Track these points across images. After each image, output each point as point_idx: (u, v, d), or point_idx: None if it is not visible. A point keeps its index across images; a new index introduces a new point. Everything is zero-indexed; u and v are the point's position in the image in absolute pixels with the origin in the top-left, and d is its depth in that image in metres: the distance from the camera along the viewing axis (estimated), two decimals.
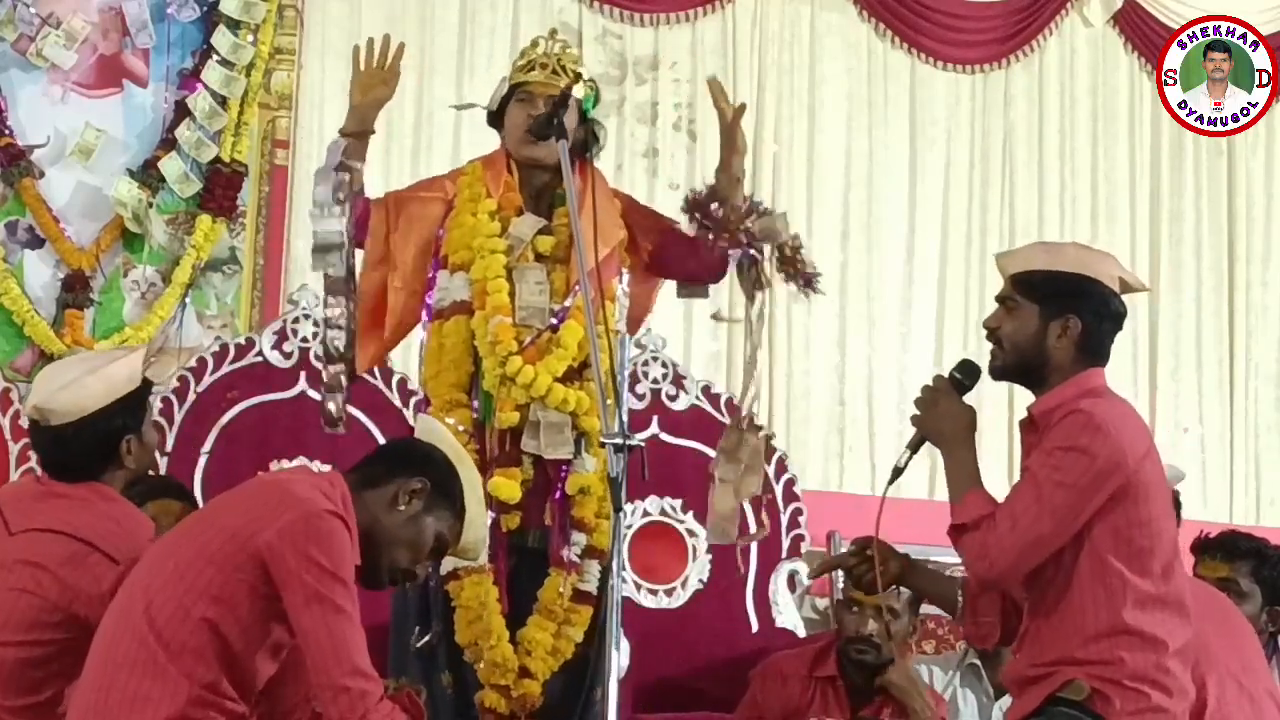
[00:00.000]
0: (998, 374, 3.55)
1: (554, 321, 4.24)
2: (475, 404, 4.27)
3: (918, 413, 3.55)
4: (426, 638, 4.20)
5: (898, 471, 3.59)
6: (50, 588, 3.46)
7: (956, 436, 3.49)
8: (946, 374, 3.57)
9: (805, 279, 4.37)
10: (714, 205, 4.28)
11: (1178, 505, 4.38)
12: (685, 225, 4.40)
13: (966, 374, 3.56)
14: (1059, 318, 3.45)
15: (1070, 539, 3.34)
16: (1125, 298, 3.54)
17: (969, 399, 3.56)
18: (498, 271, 4.25)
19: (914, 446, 3.59)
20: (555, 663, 4.20)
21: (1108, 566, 3.34)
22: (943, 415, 3.51)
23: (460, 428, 4.15)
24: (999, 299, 3.55)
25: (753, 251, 4.33)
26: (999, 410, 7.45)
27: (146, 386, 3.73)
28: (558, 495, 4.24)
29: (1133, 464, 3.35)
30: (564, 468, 4.25)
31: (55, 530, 3.52)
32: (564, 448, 4.21)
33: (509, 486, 4.16)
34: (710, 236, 4.30)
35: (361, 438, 5.16)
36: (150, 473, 4.14)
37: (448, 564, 4.17)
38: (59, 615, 3.45)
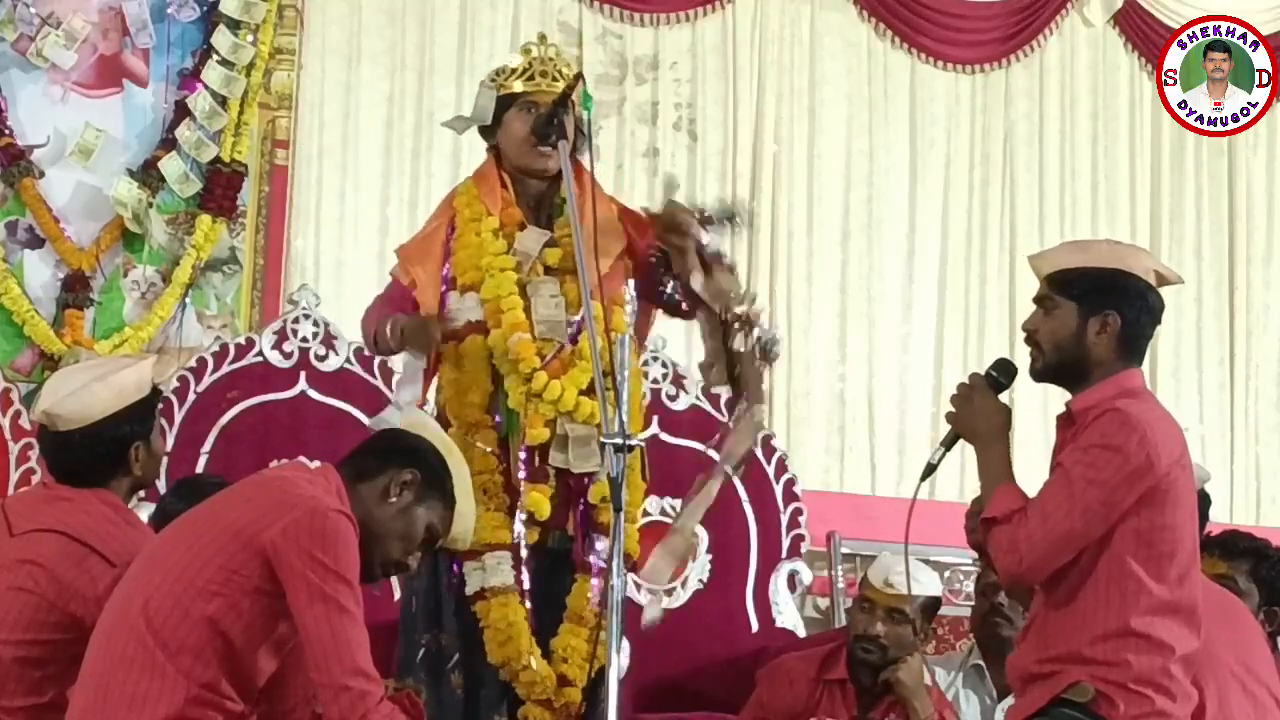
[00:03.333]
0: (1038, 375, 3.54)
1: (572, 333, 4.23)
2: (499, 423, 4.26)
3: (952, 410, 3.55)
4: (423, 649, 4.20)
5: (931, 468, 3.61)
6: (47, 586, 3.47)
7: (990, 434, 3.50)
8: (983, 372, 3.58)
9: (762, 349, 4.31)
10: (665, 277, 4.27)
11: (1207, 503, 4.37)
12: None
13: (1003, 372, 3.56)
14: (1098, 314, 3.45)
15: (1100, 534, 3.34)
16: None
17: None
18: (510, 289, 4.22)
19: (948, 444, 3.60)
20: (591, 669, 4.19)
21: (1125, 568, 3.34)
22: (977, 413, 3.51)
23: (487, 449, 4.14)
24: (1036, 300, 3.54)
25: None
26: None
27: (155, 395, 3.74)
28: (582, 506, 4.23)
29: (1164, 467, 3.36)
30: (588, 478, 4.23)
31: (55, 530, 3.52)
32: (592, 460, 4.18)
33: (542, 502, 4.17)
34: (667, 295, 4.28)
35: (361, 436, 5.15)
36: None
37: (474, 583, 4.16)
38: (56, 614, 3.46)
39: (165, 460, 5.22)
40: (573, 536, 4.23)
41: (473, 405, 4.23)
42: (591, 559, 4.21)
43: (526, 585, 4.20)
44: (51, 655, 3.46)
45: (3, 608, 3.48)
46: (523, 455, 4.19)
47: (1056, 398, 3.57)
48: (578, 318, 4.20)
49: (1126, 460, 3.32)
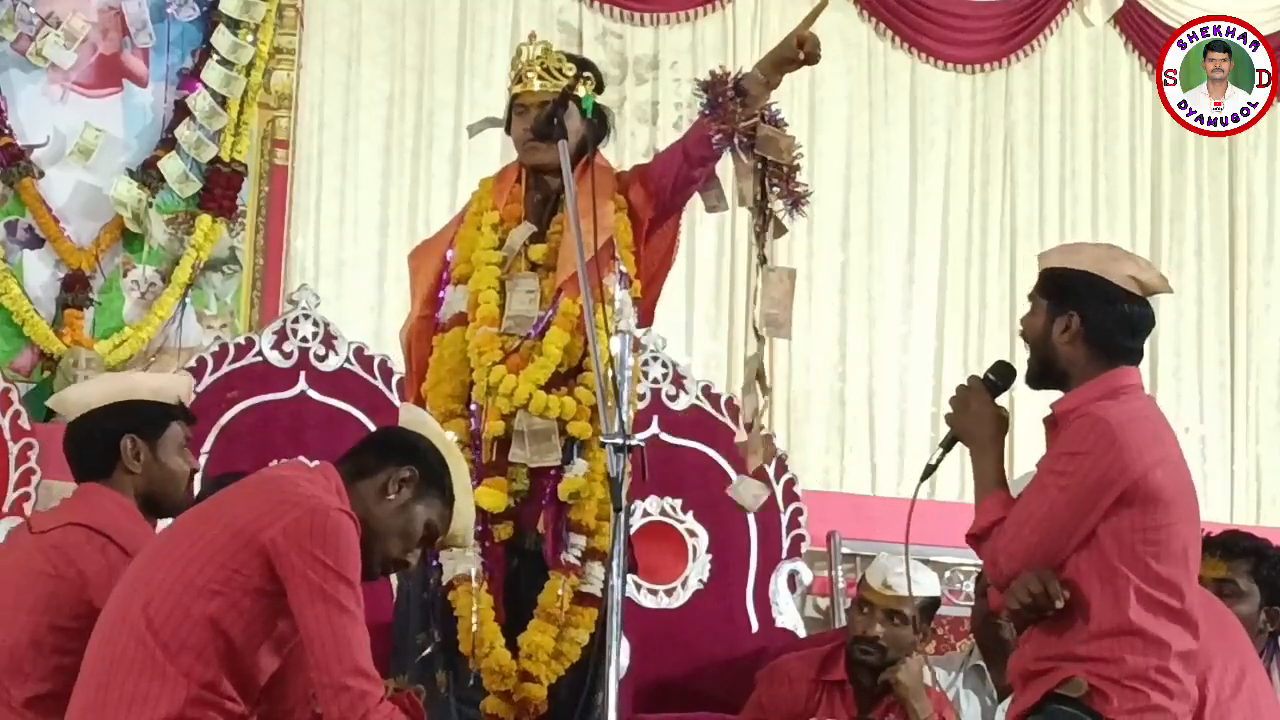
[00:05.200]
0: (1027, 379, 3.57)
1: (532, 329, 4.25)
2: (472, 414, 4.28)
3: (951, 411, 3.56)
4: (427, 650, 4.21)
5: (930, 469, 3.62)
6: (66, 569, 3.48)
7: (984, 439, 3.52)
8: (982, 374, 3.60)
9: (793, 199, 4.32)
10: (729, 91, 4.24)
11: None
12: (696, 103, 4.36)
13: (1000, 375, 3.58)
14: (1063, 314, 3.47)
15: (1080, 541, 3.35)
16: None
17: None
18: (490, 283, 4.29)
19: (946, 445, 3.62)
20: (560, 667, 4.20)
21: (1113, 569, 3.35)
22: (973, 417, 3.53)
23: (457, 438, 4.15)
24: (1029, 297, 3.58)
25: (734, 146, 4.25)
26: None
27: (177, 410, 3.71)
28: (545, 501, 4.24)
29: (1139, 470, 3.35)
30: (556, 474, 4.24)
31: (76, 523, 3.55)
32: (550, 455, 4.21)
33: (493, 496, 4.18)
34: (708, 115, 4.26)
35: (359, 436, 5.16)
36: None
37: (447, 573, 4.18)
38: (73, 600, 3.46)
39: None
40: (543, 535, 4.24)
41: (446, 396, 4.28)
42: (562, 557, 4.22)
43: (490, 575, 4.21)
44: (67, 642, 3.45)
45: (22, 592, 3.49)
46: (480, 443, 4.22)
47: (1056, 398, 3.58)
48: (547, 313, 4.23)
49: (1095, 465, 3.33)
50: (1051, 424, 3.50)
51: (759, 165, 4.25)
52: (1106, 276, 3.47)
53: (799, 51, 4.20)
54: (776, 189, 4.28)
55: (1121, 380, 3.47)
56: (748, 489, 4.26)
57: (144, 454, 3.65)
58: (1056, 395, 3.54)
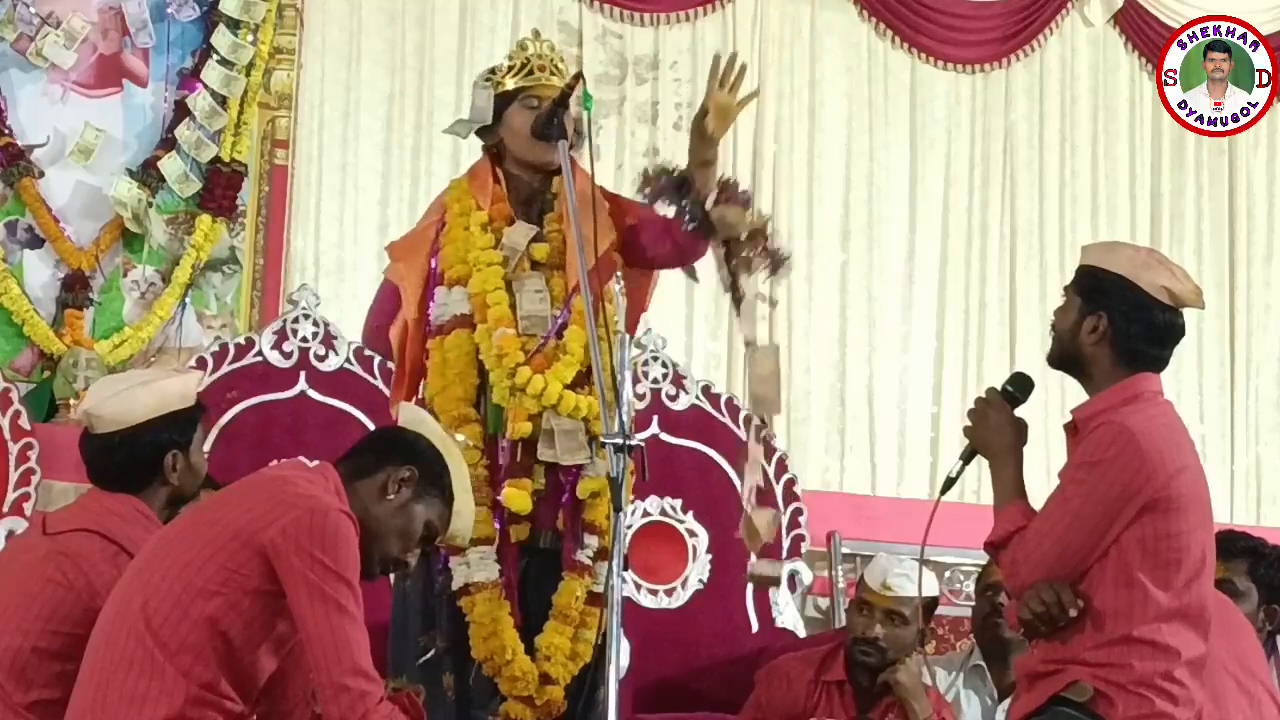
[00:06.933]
0: (1048, 361, 3.59)
1: (556, 328, 4.23)
2: (483, 417, 4.26)
3: (969, 424, 3.58)
4: (430, 652, 4.19)
5: (950, 481, 3.63)
6: (76, 578, 3.48)
7: (1002, 450, 3.53)
8: (1000, 386, 3.61)
9: (773, 264, 4.30)
10: (672, 193, 4.22)
11: None
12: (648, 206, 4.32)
13: (1018, 387, 3.58)
14: (1093, 314, 3.48)
15: (1103, 550, 3.35)
16: None
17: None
18: (496, 283, 4.24)
19: (966, 457, 3.63)
20: (575, 667, 4.19)
21: (1132, 578, 3.34)
22: (991, 428, 3.55)
23: (470, 443, 4.13)
24: (1064, 289, 3.61)
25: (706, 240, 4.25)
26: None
27: (199, 408, 3.73)
28: (565, 499, 4.23)
29: (1163, 479, 3.36)
30: (574, 472, 4.23)
31: (88, 529, 3.55)
32: (580, 453, 4.18)
33: (520, 498, 4.15)
34: (685, 220, 4.25)
35: (359, 436, 5.16)
36: None
37: (459, 579, 4.17)
38: (80, 609, 3.45)
39: None
40: (562, 534, 4.23)
41: (457, 399, 4.23)
42: (578, 556, 4.22)
43: (509, 579, 4.20)
44: (72, 649, 3.45)
45: (30, 598, 3.49)
46: (503, 445, 4.18)
47: (1057, 407, 3.58)
48: (560, 313, 4.22)
49: (1119, 475, 3.34)
50: (1072, 430, 3.51)
51: (723, 249, 4.23)
52: (1139, 283, 3.47)
53: (708, 122, 4.18)
54: (754, 261, 4.25)
55: (1141, 386, 3.47)
56: (761, 519, 4.23)
57: (180, 464, 3.66)
58: (1061, 393, 3.56)
